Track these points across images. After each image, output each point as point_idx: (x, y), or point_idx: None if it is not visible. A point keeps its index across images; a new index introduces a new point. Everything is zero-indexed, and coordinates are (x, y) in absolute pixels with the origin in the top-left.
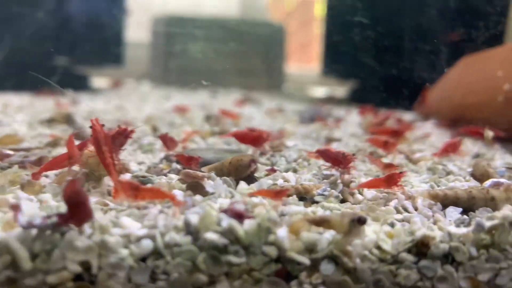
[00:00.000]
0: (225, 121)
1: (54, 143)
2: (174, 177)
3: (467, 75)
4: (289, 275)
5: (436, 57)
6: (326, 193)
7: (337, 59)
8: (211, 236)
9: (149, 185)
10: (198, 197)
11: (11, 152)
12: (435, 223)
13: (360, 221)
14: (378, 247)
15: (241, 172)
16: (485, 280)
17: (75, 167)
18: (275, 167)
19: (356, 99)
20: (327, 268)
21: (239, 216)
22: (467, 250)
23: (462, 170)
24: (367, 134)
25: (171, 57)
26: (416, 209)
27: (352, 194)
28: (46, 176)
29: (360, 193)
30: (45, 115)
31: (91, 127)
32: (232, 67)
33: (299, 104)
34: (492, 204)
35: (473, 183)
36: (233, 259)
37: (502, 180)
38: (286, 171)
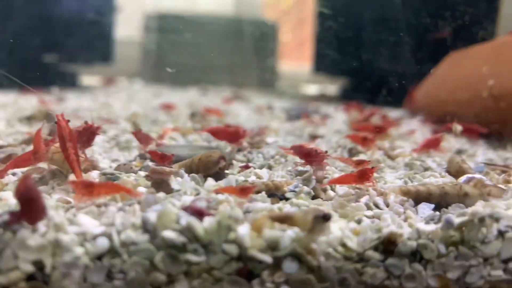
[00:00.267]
0: (210, 118)
1: (29, 141)
2: (143, 174)
3: (453, 71)
4: (251, 273)
5: (426, 54)
6: (297, 189)
7: (327, 57)
8: (169, 234)
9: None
10: (161, 195)
11: None
12: (406, 219)
13: (325, 218)
14: (343, 245)
15: (209, 168)
16: (454, 278)
17: (43, 164)
18: (250, 164)
19: (347, 96)
20: (290, 266)
21: (199, 214)
22: (436, 248)
23: (441, 166)
24: (352, 130)
25: (162, 54)
26: (387, 205)
27: (325, 191)
28: (14, 174)
29: (333, 190)
30: (26, 113)
31: (55, 123)
32: (224, 65)
33: (290, 102)
34: (466, 200)
35: (449, 179)
36: (192, 257)
37: (477, 176)
38: (261, 167)
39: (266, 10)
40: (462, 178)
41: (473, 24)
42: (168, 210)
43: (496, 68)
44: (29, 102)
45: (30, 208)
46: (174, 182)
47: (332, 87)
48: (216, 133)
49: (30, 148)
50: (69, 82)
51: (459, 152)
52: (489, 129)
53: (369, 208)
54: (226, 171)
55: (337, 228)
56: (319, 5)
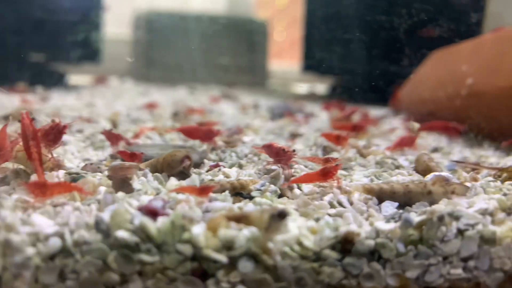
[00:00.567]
0: (192, 117)
1: None
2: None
3: (436, 69)
4: (205, 273)
5: (413, 52)
6: (263, 188)
7: (315, 55)
8: (122, 234)
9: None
10: (120, 194)
11: None
12: (368, 218)
13: (280, 216)
14: (300, 244)
15: (173, 168)
16: (414, 277)
17: (8, 163)
18: (220, 163)
19: (336, 95)
20: (245, 266)
21: (153, 214)
22: (395, 247)
23: (413, 165)
24: (332, 129)
25: (152, 53)
26: (351, 203)
27: (291, 189)
28: None
29: (299, 188)
30: (4, 112)
31: (19, 121)
32: (214, 63)
33: (277, 101)
34: (430, 198)
35: (416, 177)
36: (145, 257)
37: (444, 173)
38: (231, 166)
39: (261, 9)
40: (429, 176)
41: (460, 22)
42: (122, 209)
43: (476, 66)
44: (11, 101)
45: None
46: (137, 182)
47: (322, 86)
48: (189, 132)
49: None
50: (57, 81)
51: (435, 150)
52: (468, 127)
53: (332, 206)
54: (194, 170)
55: (295, 226)
56: (307, 5)
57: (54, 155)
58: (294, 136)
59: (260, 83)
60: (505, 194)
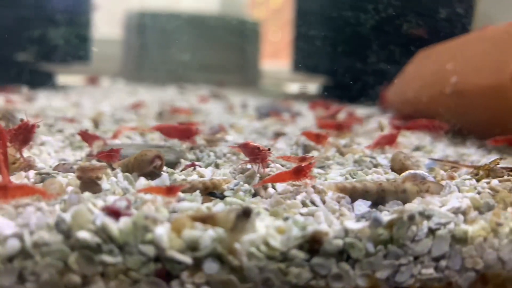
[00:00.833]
0: (178, 117)
1: None
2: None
3: (421, 68)
4: (169, 274)
5: (402, 52)
6: (236, 187)
7: (304, 55)
8: (83, 234)
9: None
10: (86, 194)
11: None
12: (339, 217)
13: (245, 214)
14: (267, 244)
15: (144, 167)
16: (384, 277)
17: None
18: (197, 163)
19: (326, 94)
20: (210, 267)
21: (116, 214)
22: (364, 246)
23: None
24: (318, 128)
25: (143, 53)
26: (324, 202)
27: (265, 188)
28: None
29: (274, 187)
30: None
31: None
32: (205, 63)
33: (268, 100)
34: (404, 196)
35: (392, 176)
36: (107, 258)
37: (419, 171)
38: (207, 166)
39: (255, 9)
40: (404, 175)
41: (449, 22)
42: (83, 210)
43: (459, 65)
44: None
45: None
46: (106, 182)
47: (313, 86)
48: (167, 131)
49: None
50: (45, 81)
51: (417, 148)
52: (452, 125)
53: (305, 205)
54: (167, 170)
55: (262, 226)
56: (296, 5)
57: (27, 155)
58: (277, 135)
59: (252, 83)
60: (479, 193)
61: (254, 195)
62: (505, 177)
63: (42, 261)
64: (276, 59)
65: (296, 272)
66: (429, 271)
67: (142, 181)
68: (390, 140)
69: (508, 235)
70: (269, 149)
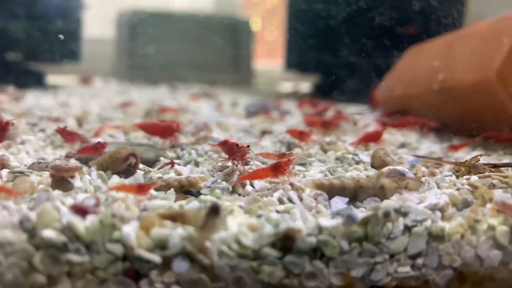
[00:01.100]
0: (165, 116)
1: None
2: None
3: (409, 66)
4: (138, 274)
5: (393, 50)
6: (212, 185)
7: (296, 54)
8: (48, 233)
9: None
10: (56, 192)
11: None
12: (315, 214)
13: (214, 211)
14: (238, 242)
15: (118, 165)
16: (359, 275)
17: None
18: (176, 161)
19: (319, 93)
20: (180, 266)
21: (83, 212)
22: (338, 244)
23: None
24: (305, 125)
25: (135, 52)
26: (301, 199)
27: (243, 186)
28: None
29: (252, 185)
30: None
31: None
32: (198, 62)
33: (259, 99)
34: (382, 193)
35: (372, 173)
36: (73, 257)
37: (399, 167)
38: (186, 164)
39: (250, 9)
40: (383, 170)
41: (441, 21)
42: (49, 208)
43: (447, 62)
44: None
45: None
46: (78, 180)
47: (305, 85)
48: (148, 129)
49: None
50: (35, 81)
51: (402, 145)
52: (439, 122)
53: (281, 202)
54: (142, 167)
55: (235, 224)
56: (288, 3)
57: (1, 153)
58: (264, 133)
59: (245, 82)
60: (458, 189)
61: (232, 192)
62: (486, 174)
63: (6, 261)
64: (271, 58)
65: (269, 271)
66: (406, 269)
67: (115, 179)
68: (375, 137)
69: (486, 232)
70: (248, 146)
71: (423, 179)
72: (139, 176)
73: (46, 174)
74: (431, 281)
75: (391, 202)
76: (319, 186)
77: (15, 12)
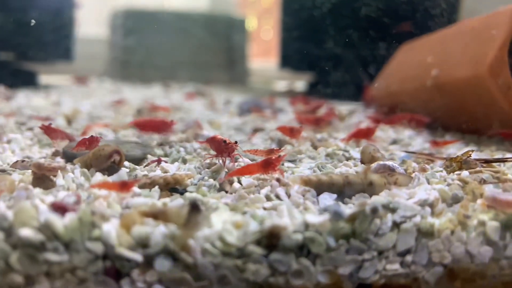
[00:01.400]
0: (157, 114)
1: None
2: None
3: (403, 62)
4: (119, 273)
5: (387, 47)
6: (198, 183)
7: (290, 52)
8: (25, 232)
9: None
10: (37, 190)
11: None
12: (303, 211)
13: (193, 208)
14: (222, 239)
15: (101, 163)
16: (347, 273)
17: None
18: (164, 158)
19: (313, 92)
20: (162, 264)
21: (63, 210)
22: (324, 241)
23: None
24: (298, 123)
25: (129, 51)
26: (289, 196)
27: (231, 183)
28: None
29: (239, 182)
30: None
31: None
32: (191, 61)
33: (251, 97)
34: (371, 189)
35: (361, 168)
36: (52, 257)
37: (388, 163)
38: (174, 161)
39: (246, 8)
40: (372, 166)
41: (436, 18)
42: (27, 206)
43: (440, 58)
44: None
45: None
46: (61, 178)
47: (300, 83)
48: (143, 125)
49: None
50: (27, 80)
51: (394, 142)
52: (432, 118)
53: (269, 199)
54: (127, 165)
55: (219, 221)
56: (282, 3)
57: None
58: (255, 130)
59: (240, 80)
60: (449, 184)
61: (220, 190)
62: (477, 169)
63: None
64: (267, 57)
65: (254, 269)
66: (395, 267)
67: (98, 177)
68: (367, 134)
69: (477, 227)
70: (236, 143)
71: (413, 174)
72: (122, 173)
73: (29, 172)
74: (421, 278)
75: (380, 198)
76: (306, 182)
77: (6, 10)
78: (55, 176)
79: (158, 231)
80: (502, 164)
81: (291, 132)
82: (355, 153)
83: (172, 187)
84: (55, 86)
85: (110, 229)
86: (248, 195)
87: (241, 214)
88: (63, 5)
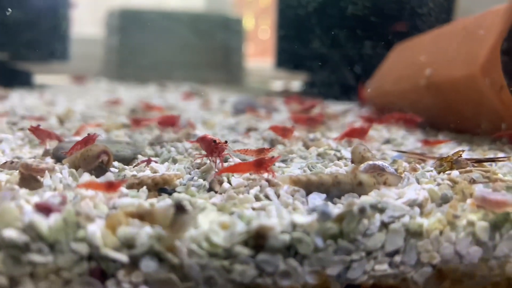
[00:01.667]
0: (150, 114)
1: None
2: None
3: (397, 62)
4: (104, 274)
5: (382, 47)
6: (187, 183)
7: (286, 52)
8: (9, 233)
9: None
10: (22, 191)
11: None
12: (292, 211)
13: (179, 208)
14: (208, 240)
15: (90, 163)
16: (335, 274)
17: None
18: (154, 158)
19: (309, 91)
20: (148, 265)
21: (47, 211)
22: (312, 241)
23: None
24: (292, 122)
25: (125, 51)
26: (279, 196)
27: (221, 183)
28: None
29: (229, 182)
30: None
31: None
32: (187, 61)
33: (246, 97)
34: (360, 189)
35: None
36: (36, 258)
37: (378, 162)
38: (164, 161)
39: (242, 8)
40: (362, 166)
41: (431, 17)
42: (11, 207)
43: (434, 57)
44: None
45: None
46: (48, 178)
47: (296, 83)
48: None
49: None
50: (23, 80)
51: (387, 141)
52: (425, 117)
53: (258, 199)
54: (116, 165)
55: (206, 222)
56: (278, 2)
57: None
58: (249, 130)
59: (236, 80)
60: (438, 184)
61: (209, 190)
62: (468, 169)
63: None
64: (264, 57)
65: (241, 270)
66: (383, 267)
67: (86, 177)
68: (360, 133)
69: (466, 227)
70: (226, 142)
71: (403, 174)
72: (110, 174)
73: (17, 173)
74: (410, 279)
75: (368, 198)
76: (296, 182)
77: (1, 10)
78: (42, 176)
79: (143, 232)
80: (493, 163)
81: (283, 131)
82: (347, 152)
83: (161, 187)
84: (51, 86)
85: (95, 229)
86: (238, 195)
87: (229, 214)
88: (59, 5)
